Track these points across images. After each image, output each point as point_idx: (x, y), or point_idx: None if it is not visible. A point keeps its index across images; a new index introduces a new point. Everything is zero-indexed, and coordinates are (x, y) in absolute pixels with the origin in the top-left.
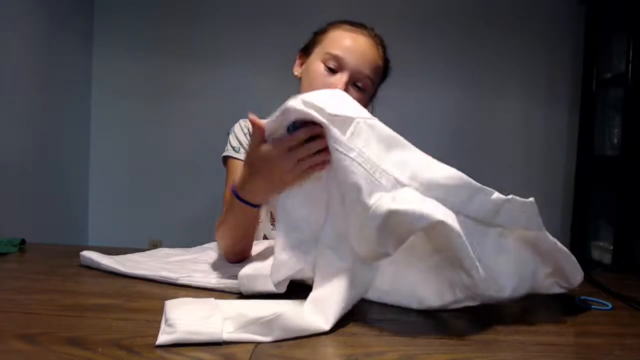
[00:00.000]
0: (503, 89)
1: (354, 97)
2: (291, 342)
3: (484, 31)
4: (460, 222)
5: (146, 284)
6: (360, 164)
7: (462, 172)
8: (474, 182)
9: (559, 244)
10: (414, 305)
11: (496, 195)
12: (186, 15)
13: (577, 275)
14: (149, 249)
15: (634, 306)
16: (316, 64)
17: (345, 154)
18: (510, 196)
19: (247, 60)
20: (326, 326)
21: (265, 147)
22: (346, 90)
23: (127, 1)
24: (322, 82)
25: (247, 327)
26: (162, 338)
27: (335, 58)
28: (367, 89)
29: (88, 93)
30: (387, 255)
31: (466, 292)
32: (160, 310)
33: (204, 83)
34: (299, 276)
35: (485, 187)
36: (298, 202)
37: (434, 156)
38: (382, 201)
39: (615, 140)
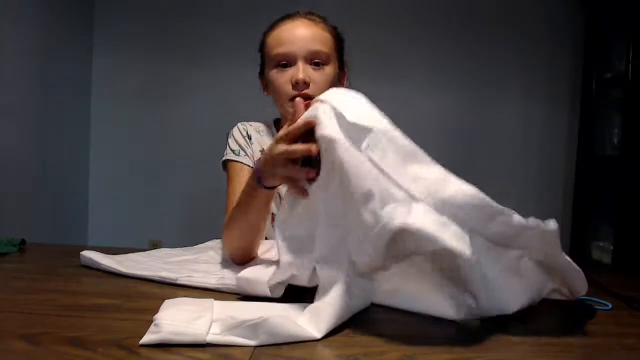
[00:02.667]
0: (503, 89)
1: (316, 76)
2: (291, 342)
3: (484, 31)
4: (476, 243)
5: (146, 284)
6: (376, 173)
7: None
8: (493, 202)
9: (572, 262)
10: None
11: (517, 218)
12: (186, 15)
13: (582, 289)
14: (149, 249)
15: (634, 306)
16: (272, 73)
17: (359, 161)
18: (531, 220)
19: (247, 60)
20: (317, 334)
21: (279, 135)
22: (306, 72)
23: (127, 1)
24: (283, 83)
25: (233, 329)
26: (147, 337)
27: (282, 55)
28: (325, 62)
29: (88, 93)
30: (385, 268)
31: (468, 312)
32: None
33: (203, 83)
34: (293, 281)
35: (505, 208)
36: (296, 213)
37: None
38: (396, 214)
39: (615, 140)
